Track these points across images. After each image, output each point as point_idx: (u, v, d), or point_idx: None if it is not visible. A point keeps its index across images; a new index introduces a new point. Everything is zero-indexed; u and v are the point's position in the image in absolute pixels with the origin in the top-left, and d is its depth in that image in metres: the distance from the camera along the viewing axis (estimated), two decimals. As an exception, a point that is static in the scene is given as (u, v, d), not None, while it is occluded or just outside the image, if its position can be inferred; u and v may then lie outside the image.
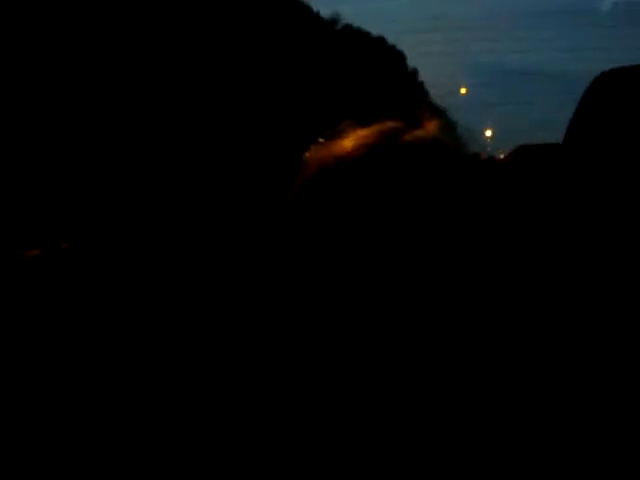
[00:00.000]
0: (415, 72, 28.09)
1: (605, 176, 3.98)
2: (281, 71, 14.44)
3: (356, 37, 21.80)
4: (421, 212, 0.87)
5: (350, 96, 17.49)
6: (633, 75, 4.00)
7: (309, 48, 16.11)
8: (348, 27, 22.00)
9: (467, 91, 39.59)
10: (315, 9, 19.74)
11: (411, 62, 27.77)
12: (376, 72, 21.41)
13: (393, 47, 25.72)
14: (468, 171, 0.96)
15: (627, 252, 2.20)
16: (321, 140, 0.91)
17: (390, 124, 0.91)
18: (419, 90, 27.21)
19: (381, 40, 24.77)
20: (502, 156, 19.72)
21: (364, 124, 0.93)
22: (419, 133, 0.92)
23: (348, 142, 0.89)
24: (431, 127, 0.95)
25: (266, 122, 12.00)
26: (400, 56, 26.14)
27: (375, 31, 24.06)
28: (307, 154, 0.92)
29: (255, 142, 10.99)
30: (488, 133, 37.66)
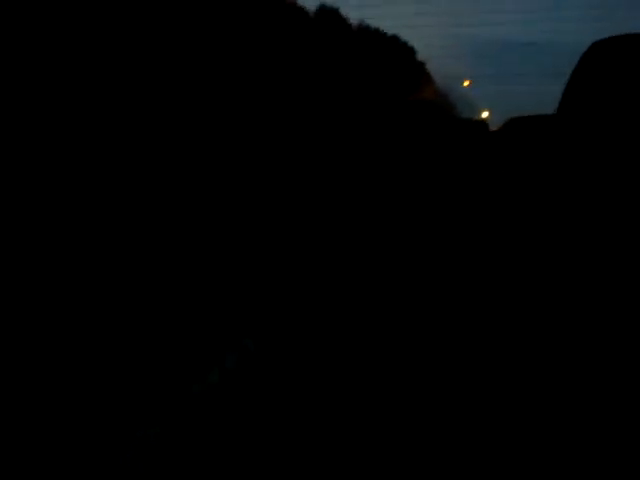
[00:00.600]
0: (423, 63, 30.69)
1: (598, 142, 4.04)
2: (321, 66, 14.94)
3: (375, 36, 24.54)
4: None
5: (373, 83, 19.18)
6: (625, 44, 4.09)
7: (339, 48, 17.42)
8: (367, 28, 24.53)
9: (470, 83, 39.66)
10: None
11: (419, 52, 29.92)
12: (395, 64, 24.33)
13: (405, 43, 28.21)
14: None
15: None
16: None
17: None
18: (426, 75, 30.23)
19: (395, 38, 27.38)
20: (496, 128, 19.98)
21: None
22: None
23: None
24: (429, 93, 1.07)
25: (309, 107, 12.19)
26: (411, 50, 28.84)
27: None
28: None
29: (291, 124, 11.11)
30: (485, 114, 37.63)
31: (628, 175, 3.59)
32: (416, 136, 14.25)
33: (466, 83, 39.88)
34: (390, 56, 23.54)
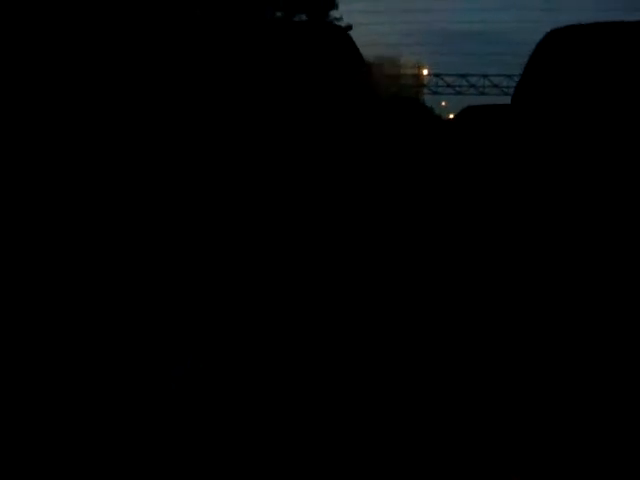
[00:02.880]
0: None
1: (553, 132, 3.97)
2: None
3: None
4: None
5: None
6: (582, 34, 4.01)
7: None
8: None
9: (429, 72, 37.70)
10: None
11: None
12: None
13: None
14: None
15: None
16: None
17: None
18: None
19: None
20: (451, 116, 20.08)
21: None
22: None
23: None
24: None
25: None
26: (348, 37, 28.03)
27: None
28: None
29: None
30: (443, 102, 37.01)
31: (581, 164, 3.58)
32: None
33: (425, 71, 38.40)
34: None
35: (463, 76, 37.39)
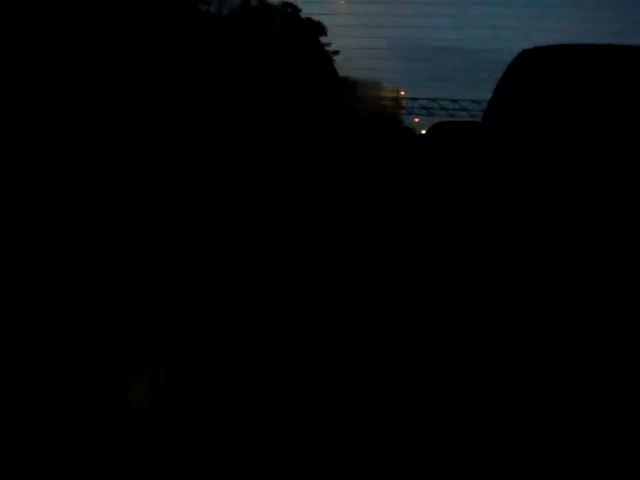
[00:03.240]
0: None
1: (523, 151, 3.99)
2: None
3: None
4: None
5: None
6: (554, 54, 4.05)
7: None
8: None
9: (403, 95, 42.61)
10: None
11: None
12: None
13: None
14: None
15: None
16: None
17: None
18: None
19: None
20: (423, 132, 20.51)
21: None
22: None
23: None
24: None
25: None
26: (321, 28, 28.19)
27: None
28: None
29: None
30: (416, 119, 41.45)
31: (548, 181, 3.60)
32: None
33: (402, 94, 42.20)
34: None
35: (434, 100, 42.85)
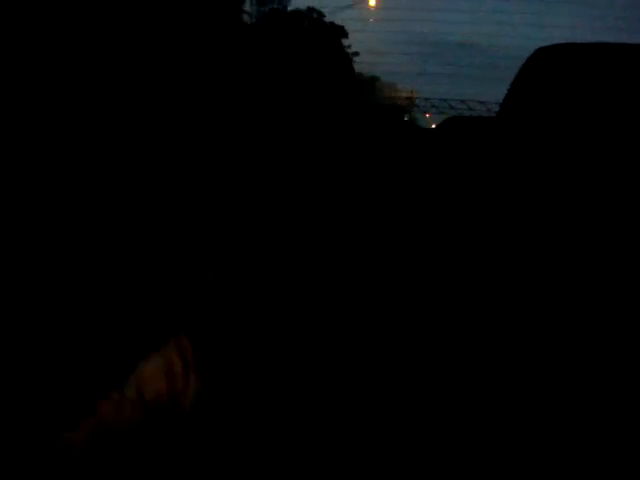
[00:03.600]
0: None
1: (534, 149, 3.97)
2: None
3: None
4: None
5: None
6: (570, 53, 4.03)
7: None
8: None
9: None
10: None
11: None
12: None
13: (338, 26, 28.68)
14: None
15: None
16: None
17: None
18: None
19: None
20: (434, 126, 20.63)
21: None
22: None
23: None
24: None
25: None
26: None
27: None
28: None
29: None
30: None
31: (564, 181, 3.59)
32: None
33: (415, 95, 46.46)
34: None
35: (445, 100, 46.82)
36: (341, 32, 28.78)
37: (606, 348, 2.88)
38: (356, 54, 31.86)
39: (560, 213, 3.43)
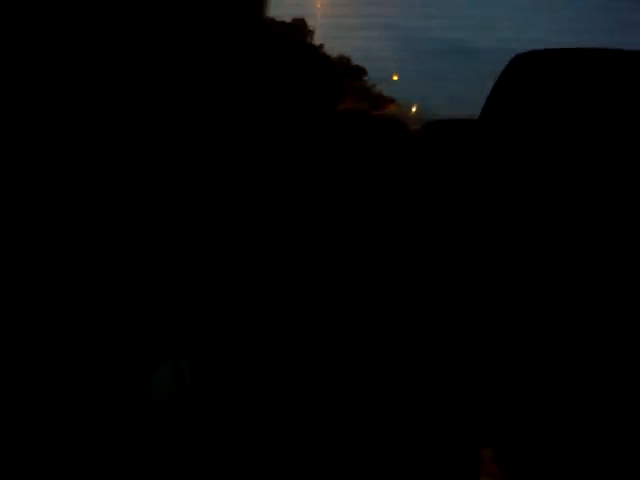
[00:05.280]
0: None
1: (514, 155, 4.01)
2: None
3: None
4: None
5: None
6: (548, 58, 4.08)
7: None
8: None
9: (398, 77, 46.49)
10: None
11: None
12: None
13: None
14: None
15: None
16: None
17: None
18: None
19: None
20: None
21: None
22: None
23: None
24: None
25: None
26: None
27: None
28: None
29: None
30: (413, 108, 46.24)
31: (545, 188, 3.60)
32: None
33: (395, 77, 44.43)
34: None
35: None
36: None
37: (607, 348, 2.89)
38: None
39: (540, 221, 3.45)
